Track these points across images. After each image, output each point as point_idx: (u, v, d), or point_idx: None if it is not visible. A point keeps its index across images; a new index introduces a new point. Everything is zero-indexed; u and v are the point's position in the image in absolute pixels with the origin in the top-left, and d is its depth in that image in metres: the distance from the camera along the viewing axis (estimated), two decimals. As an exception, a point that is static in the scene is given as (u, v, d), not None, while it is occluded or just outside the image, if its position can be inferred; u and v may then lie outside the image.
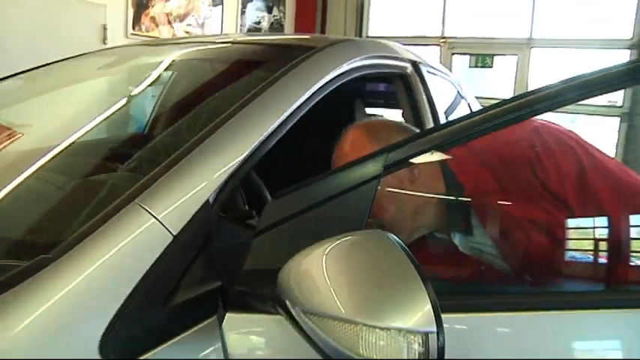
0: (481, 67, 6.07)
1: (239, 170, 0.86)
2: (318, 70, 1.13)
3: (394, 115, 2.26)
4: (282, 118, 0.96)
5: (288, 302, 0.65)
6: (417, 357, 0.57)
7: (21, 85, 1.66)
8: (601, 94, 0.91)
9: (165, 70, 1.53)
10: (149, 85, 1.54)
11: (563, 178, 1.03)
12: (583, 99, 0.87)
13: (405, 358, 0.57)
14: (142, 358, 0.68)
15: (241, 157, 0.86)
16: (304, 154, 1.75)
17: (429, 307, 0.58)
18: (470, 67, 6.13)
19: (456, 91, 2.31)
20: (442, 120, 1.65)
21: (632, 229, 1.03)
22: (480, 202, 1.09)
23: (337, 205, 0.77)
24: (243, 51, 1.44)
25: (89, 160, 1.10)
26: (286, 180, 0.97)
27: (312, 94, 1.06)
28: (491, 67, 6.03)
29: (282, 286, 0.67)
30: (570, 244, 1.07)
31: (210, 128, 0.88)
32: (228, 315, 0.75)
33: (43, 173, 1.08)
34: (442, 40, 6.23)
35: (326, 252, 0.67)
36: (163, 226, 0.74)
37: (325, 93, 1.11)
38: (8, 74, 1.66)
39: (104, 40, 4.32)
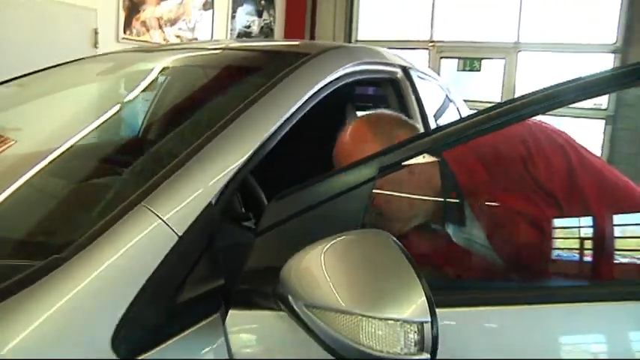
0: (469, 70, 6.16)
1: (239, 173, 0.90)
2: (314, 76, 1.17)
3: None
4: (280, 122, 1.00)
5: (290, 297, 0.69)
6: (413, 345, 0.61)
7: (12, 92, 1.68)
8: (585, 99, 0.96)
9: (164, 75, 1.57)
10: (142, 91, 1.57)
11: (553, 174, 1.08)
12: (561, 106, 0.91)
13: (403, 345, 0.61)
14: (152, 352, 0.71)
15: (241, 161, 0.90)
16: (297, 158, 1.78)
17: (423, 299, 0.63)
18: (458, 70, 6.22)
19: (444, 94, 2.36)
20: (432, 122, 1.70)
21: (615, 227, 1.09)
22: (472, 193, 1.13)
23: (335, 206, 0.81)
24: (242, 58, 1.48)
25: (93, 164, 1.13)
26: (280, 182, 1.01)
27: (308, 99, 1.10)
28: (479, 70, 6.13)
29: (285, 282, 0.71)
30: (556, 238, 1.12)
31: (212, 133, 0.92)
32: (231, 312, 0.79)
33: (47, 177, 1.11)
34: (431, 43, 6.31)
35: (324, 250, 0.71)
36: (169, 227, 0.77)
37: (319, 98, 1.15)
38: (0, 79, 1.68)
39: (95, 45, 4.33)
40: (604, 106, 5.55)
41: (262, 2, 6.38)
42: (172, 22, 5.19)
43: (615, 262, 1.08)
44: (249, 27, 6.23)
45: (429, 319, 0.63)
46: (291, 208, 0.82)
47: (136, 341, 0.70)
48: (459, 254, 1.13)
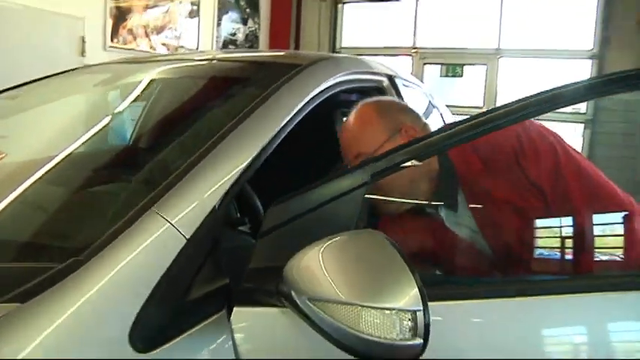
0: (452, 76, 6.29)
1: (239, 179, 0.96)
2: (306, 87, 1.23)
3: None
4: (276, 130, 1.07)
5: (293, 293, 0.75)
6: (408, 331, 0.68)
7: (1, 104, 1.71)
8: (565, 106, 1.04)
9: (160, 86, 1.62)
10: (133, 102, 1.62)
11: (541, 168, 1.16)
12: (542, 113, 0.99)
13: (398, 332, 0.68)
14: (165, 346, 0.77)
15: (241, 168, 0.96)
16: (289, 164, 1.85)
17: (415, 290, 0.70)
18: (441, 76, 6.35)
19: (428, 101, 2.45)
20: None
21: (595, 224, 1.17)
22: (466, 181, 1.21)
23: (332, 209, 0.88)
24: (238, 69, 1.54)
25: (101, 172, 1.19)
26: (273, 188, 1.07)
27: (300, 108, 1.17)
28: (462, 76, 6.26)
29: (288, 279, 0.77)
30: (539, 228, 1.21)
31: (213, 142, 0.98)
32: (235, 309, 0.85)
33: (47, 185, 1.16)
34: (414, 50, 6.43)
35: (321, 250, 0.78)
36: (178, 230, 0.83)
37: (311, 107, 1.22)
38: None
39: (82, 53, 4.35)
40: (582, 110, 5.72)
41: (247, 10, 6.44)
42: (159, 30, 5.23)
43: (594, 254, 1.17)
44: (234, 34, 6.29)
45: (422, 308, 0.70)
46: (290, 212, 0.88)
47: (151, 337, 0.76)
48: (450, 239, 1.21)
